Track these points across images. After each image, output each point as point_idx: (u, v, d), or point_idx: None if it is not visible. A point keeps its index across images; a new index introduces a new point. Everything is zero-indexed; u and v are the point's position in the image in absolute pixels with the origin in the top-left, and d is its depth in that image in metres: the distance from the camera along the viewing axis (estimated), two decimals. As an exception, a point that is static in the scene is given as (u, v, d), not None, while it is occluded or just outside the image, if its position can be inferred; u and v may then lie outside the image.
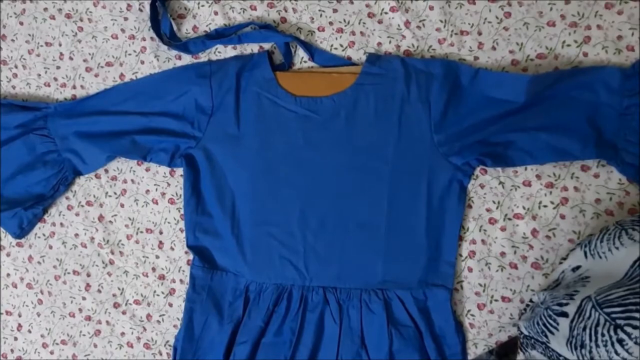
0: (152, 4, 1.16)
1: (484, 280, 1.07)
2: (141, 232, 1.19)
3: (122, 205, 1.20)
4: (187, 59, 1.19)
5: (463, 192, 1.06)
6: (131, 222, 1.20)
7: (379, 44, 1.13)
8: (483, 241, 1.07)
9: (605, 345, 0.75)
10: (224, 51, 1.18)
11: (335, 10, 1.15)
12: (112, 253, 1.20)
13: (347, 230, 1.07)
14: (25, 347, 1.24)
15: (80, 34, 1.24)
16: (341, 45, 1.14)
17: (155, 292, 1.18)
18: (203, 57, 1.19)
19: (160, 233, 1.18)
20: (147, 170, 1.19)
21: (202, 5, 1.19)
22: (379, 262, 1.06)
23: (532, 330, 0.91)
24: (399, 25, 1.13)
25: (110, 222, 1.21)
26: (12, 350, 1.24)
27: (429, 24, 1.11)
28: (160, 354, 1.17)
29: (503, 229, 1.06)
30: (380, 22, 1.13)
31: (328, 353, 1.05)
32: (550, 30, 1.07)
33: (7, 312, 1.25)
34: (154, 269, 1.18)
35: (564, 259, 0.97)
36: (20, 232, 1.21)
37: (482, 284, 1.07)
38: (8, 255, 1.25)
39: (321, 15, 1.15)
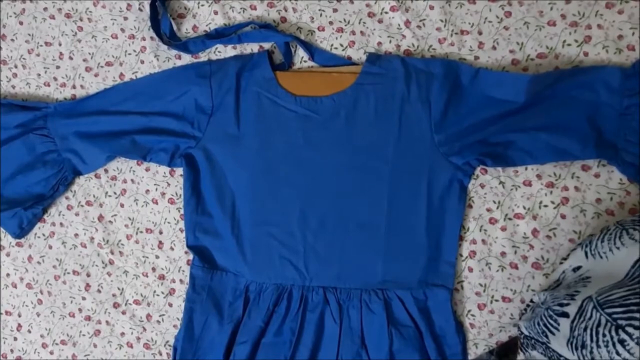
0: (152, 4, 1.16)
1: (485, 280, 1.07)
2: (141, 232, 1.19)
3: (122, 205, 1.20)
4: (187, 59, 1.19)
5: (463, 191, 1.06)
6: (131, 222, 1.20)
7: (379, 43, 1.13)
8: (483, 241, 1.07)
9: (607, 346, 0.75)
10: (223, 51, 1.18)
11: (335, 10, 1.15)
12: (112, 253, 1.20)
13: (347, 230, 1.07)
14: (25, 347, 1.24)
15: (80, 33, 1.24)
16: (341, 45, 1.14)
17: (155, 292, 1.18)
18: (203, 56, 1.19)
19: (160, 233, 1.18)
20: (147, 170, 1.19)
21: (202, 5, 1.19)
22: (379, 262, 1.06)
23: (533, 330, 0.91)
24: (399, 25, 1.12)
25: (110, 222, 1.21)
26: (11, 351, 1.24)
27: (429, 23, 1.11)
28: (160, 354, 1.17)
29: (503, 229, 1.06)
30: (380, 21, 1.13)
31: (328, 353, 1.05)
32: (550, 29, 1.07)
33: (7, 312, 1.25)
34: (153, 269, 1.18)
35: (565, 259, 0.97)
36: (20, 232, 1.21)
37: (482, 284, 1.07)
38: (8, 255, 1.25)
39: (321, 15, 1.15)
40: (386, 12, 1.13)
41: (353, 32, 1.14)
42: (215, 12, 1.18)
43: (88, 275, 1.21)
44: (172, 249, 1.17)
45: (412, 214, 1.06)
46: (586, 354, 0.78)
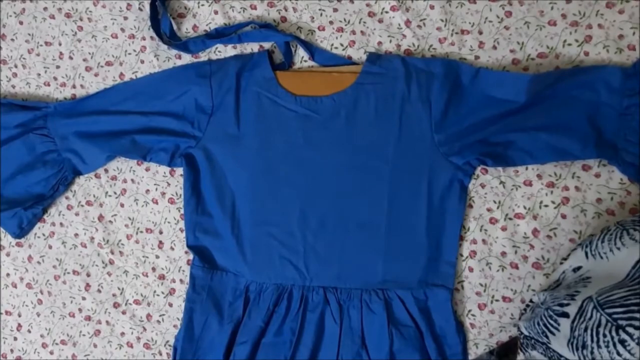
0: (152, 3, 1.16)
1: (485, 280, 1.07)
2: (141, 231, 1.19)
3: (122, 205, 1.20)
4: (187, 59, 1.19)
5: (464, 191, 1.06)
6: (131, 222, 1.19)
7: (380, 43, 1.13)
8: (484, 241, 1.07)
9: (607, 346, 0.75)
10: (224, 50, 1.18)
11: (335, 10, 1.15)
12: (112, 253, 1.20)
13: (348, 230, 1.07)
14: (25, 347, 1.24)
15: (80, 33, 1.24)
16: (341, 45, 1.14)
17: (155, 292, 1.18)
18: (203, 56, 1.19)
19: (160, 233, 1.18)
20: (147, 170, 1.19)
21: (202, 5, 1.19)
22: (379, 262, 1.06)
23: (533, 330, 0.91)
24: (399, 25, 1.12)
25: (110, 221, 1.20)
26: (11, 350, 1.24)
27: (429, 23, 1.11)
28: (160, 354, 1.17)
29: (504, 229, 1.06)
30: (380, 21, 1.13)
31: (328, 353, 1.05)
32: (551, 29, 1.07)
33: (7, 312, 1.25)
34: (154, 269, 1.18)
35: (565, 259, 0.97)
36: (20, 232, 1.21)
37: (482, 284, 1.07)
38: (8, 255, 1.25)
39: (321, 15, 1.15)
40: (386, 12, 1.13)
41: (353, 32, 1.14)
42: (216, 12, 1.18)
43: (88, 275, 1.21)
44: (172, 248, 1.17)
45: (413, 214, 1.06)
46: (587, 354, 0.78)
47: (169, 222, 1.18)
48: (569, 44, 1.06)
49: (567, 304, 0.83)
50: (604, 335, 0.76)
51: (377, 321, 1.04)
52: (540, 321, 0.88)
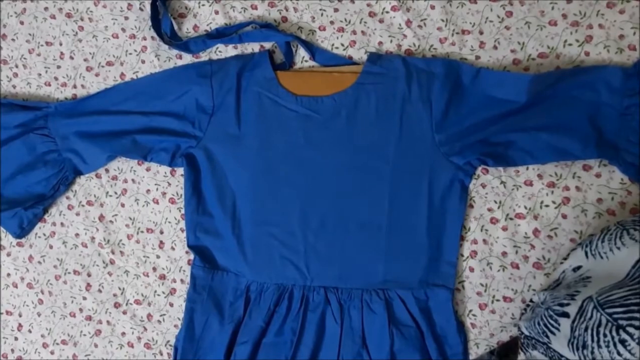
0: (152, 3, 1.16)
1: (486, 280, 1.07)
2: (142, 231, 1.19)
3: (122, 205, 1.20)
4: (187, 59, 1.19)
5: (464, 191, 1.06)
6: (132, 222, 1.20)
7: (380, 43, 1.13)
8: (484, 241, 1.07)
9: (608, 346, 0.75)
10: (224, 50, 1.18)
11: (336, 10, 1.15)
12: (113, 253, 1.20)
13: (348, 230, 1.07)
14: (25, 347, 1.24)
15: (80, 33, 1.24)
16: (342, 45, 1.14)
17: (156, 292, 1.18)
18: (204, 56, 1.19)
19: (161, 233, 1.18)
20: (148, 169, 1.19)
21: (203, 5, 1.19)
22: (380, 262, 1.06)
23: (533, 330, 0.91)
24: (400, 25, 1.12)
25: (111, 221, 1.21)
26: (12, 350, 1.24)
27: (430, 23, 1.11)
28: (161, 354, 1.17)
29: (504, 229, 1.06)
30: (381, 21, 1.13)
31: (329, 353, 1.05)
32: (551, 29, 1.07)
33: (8, 312, 1.25)
34: (154, 269, 1.18)
35: (565, 259, 0.97)
36: (21, 231, 1.21)
37: (483, 284, 1.07)
38: (8, 255, 1.25)
39: (322, 15, 1.15)
40: (387, 12, 1.13)
41: (354, 32, 1.14)
42: (216, 12, 1.18)
43: (89, 275, 1.21)
44: (173, 248, 1.17)
45: (413, 214, 1.06)
46: (587, 354, 0.78)
47: (169, 222, 1.18)
48: (570, 44, 1.06)
49: (567, 304, 0.83)
50: (605, 335, 0.76)
51: (377, 321, 1.04)
52: (540, 321, 0.88)
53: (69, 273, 1.22)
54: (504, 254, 1.06)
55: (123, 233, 1.20)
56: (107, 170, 1.21)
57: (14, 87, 1.27)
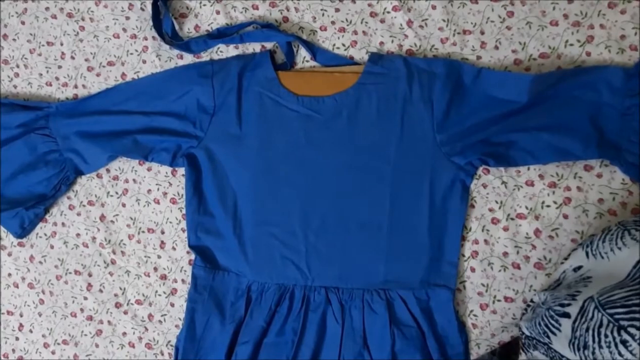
0: (153, 3, 1.16)
1: (487, 281, 1.07)
2: (143, 231, 1.19)
3: (123, 205, 1.20)
4: (188, 59, 1.19)
5: (465, 191, 1.06)
6: (133, 222, 1.20)
7: (381, 43, 1.13)
8: (486, 241, 1.07)
9: (609, 347, 0.75)
10: (225, 50, 1.18)
11: (337, 10, 1.15)
12: (114, 253, 1.20)
13: (349, 230, 1.07)
14: (26, 347, 1.24)
15: (81, 33, 1.24)
16: (343, 45, 1.14)
17: (157, 292, 1.18)
18: (205, 56, 1.19)
19: (162, 233, 1.18)
20: (149, 169, 1.19)
21: (204, 5, 1.19)
22: (381, 262, 1.06)
23: (534, 330, 0.91)
24: (401, 25, 1.12)
25: (112, 221, 1.21)
26: (13, 350, 1.24)
27: (431, 23, 1.11)
28: (162, 354, 1.17)
29: (506, 229, 1.06)
30: (382, 21, 1.13)
31: (330, 353, 1.05)
32: (553, 29, 1.07)
33: (9, 312, 1.25)
34: (155, 269, 1.18)
35: (566, 259, 0.97)
36: (22, 231, 1.21)
37: (484, 284, 1.07)
38: (9, 254, 1.25)
39: (323, 15, 1.15)
40: (388, 12, 1.13)
41: (355, 32, 1.14)
42: (217, 12, 1.18)
43: (90, 275, 1.21)
44: (174, 248, 1.17)
45: (414, 214, 1.06)
46: (588, 354, 0.78)
47: (170, 222, 1.18)
48: (571, 44, 1.06)
49: (569, 304, 0.83)
50: (606, 336, 0.76)
51: (379, 321, 1.04)
52: (541, 321, 0.88)
53: (70, 273, 1.22)
54: (505, 254, 1.06)
55: (124, 233, 1.20)
56: (108, 170, 1.21)
57: (15, 87, 1.27)
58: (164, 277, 1.18)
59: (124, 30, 1.22)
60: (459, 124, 1.05)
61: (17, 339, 1.24)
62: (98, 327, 1.20)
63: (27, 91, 1.26)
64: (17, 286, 1.25)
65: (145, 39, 1.21)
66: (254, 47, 1.17)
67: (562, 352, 0.84)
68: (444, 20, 1.11)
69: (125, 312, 1.19)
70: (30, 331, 1.23)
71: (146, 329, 1.18)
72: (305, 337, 1.06)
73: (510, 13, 1.09)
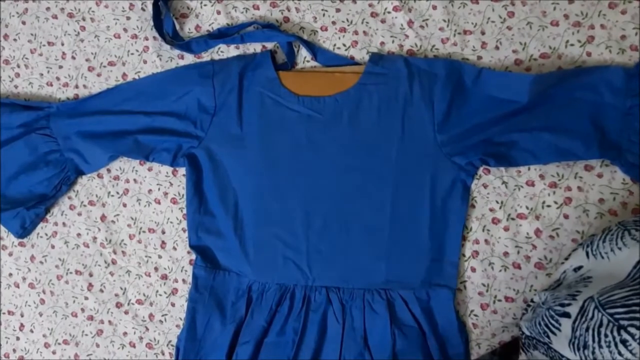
0: (154, 4, 1.16)
1: (487, 280, 1.07)
2: (144, 231, 1.19)
3: (124, 205, 1.20)
4: (189, 59, 1.19)
5: (466, 192, 1.06)
6: (134, 222, 1.20)
7: (382, 43, 1.13)
8: (486, 241, 1.07)
9: (609, 346, 0.75)
10: (226, 51, 1.18)
11: (338, 10, 1.15)
12: (115, 253, 1.20)
13: (351, 230, 1.07)
14: (27, 347, 1.24)
15: (82, 33, 1.24)
16: (344, 45, 1.14)
17: (157, 291, 1.18)
18: (206, 56, 1.19)
19: (163, 233, 1.18)
20: (150, 169, 1.19)
21: (205, 5, 1.19)
22: (382, 262, 1.06)
23: (534, 330, 0.91)
24: (402, 25, 1.12)
25: (113, 221, 1.21)
26: (14, 350, 1.24)
27: (432, 23, 1.11)
28: (163, 354, 1.17)
29: (506, 229, 1.06)
30: (383, 21, 1.13)
31: (331, 353, 1.05)
32: (553, 29, 1.07)
33: (9, 312, 1.25)
34: (156, 269, 1.18)
35: (566, 259, 0.96)
36: (23, 231, 1.21)
37: (485, 284, 1.07)
38: (10, 254, 1.25)
39: (324, 15, 1.15)
40: (389, 12, 1.13)
41: (356, 32, 1.14)
42: (218, 12, 1.18)
43: (90, 275, 1.21)
44: (174, 248, 1.18)
45: (415, 214, 1.06)
46: (588, 354, 0.78)
47: (171, 222, 1.18)
48: (572, 45, 1.06)
49: (569, 304, 0.83)
50: (606, 336, 0.76)
51: (379, 321, 1.04)
52: (541, 321, 0.88)
53: (71, 273, 1.22)
54: (506, 254, 1.06)
55: (125, 233, 1.20)
56: (108, 170, 1.21)
57: (16, 87, 1.27)
58: (164, 277, 1.18)
59: (125, 30, 1.22)
60: (460, 125, 1.05)
61: (17, 338, 1.24)
62: (99, 327, 1.20)
63: (27, 91, 1.26)
64: (17, 286, 1.25)
65: (146, 39, 1.21)
66: (254, 47, 1.17)
67: (562, 352, 0.84)
68: (444, 21, 1.11)
69: (126, 312, 1.19)
70: (31, 331, 1.24)
71: (147, 329, 1.18)
72: (306, 337, 1.06)
73: (510, 13, 1.09)
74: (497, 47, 1.09)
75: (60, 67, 1.25)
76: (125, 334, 1.19)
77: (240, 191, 1.11)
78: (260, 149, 1.10)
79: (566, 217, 1.04)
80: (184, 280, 1.17)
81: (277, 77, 1.11)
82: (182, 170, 1.17)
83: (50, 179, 1.18)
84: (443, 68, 1.06)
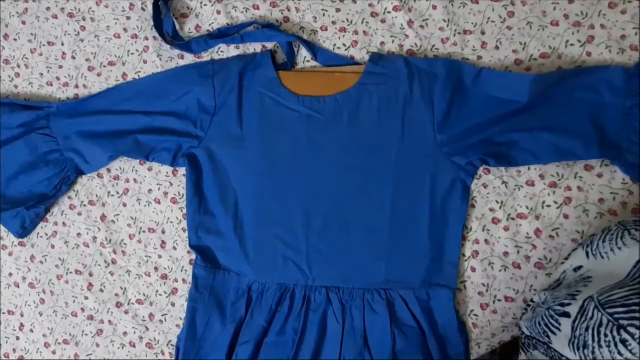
0: (154, 4, 1.16)
1: (487, 280, 1.07)
2: (144, 231, 1.19)
3: (124, 205, 1.20)
4: (189, 59, 1.19)
5: (466, 192, 1.06)
6: (134, 222, 1.20)
7: (382, 43, 1.13)
8: (486, 241, 1.07)
9: (609, 346, 0.75)
10: (226, 51, 1.18)
11: (338, 10, 1.15)
12: (115, 252, 1.20)
13: (351, 230, 1.07)
14: (27, 347, 1.24)
15: (82, 33, 1.24)
16: (344, 45, 1.14)
17: (157, 291, 1.18)
18: (206, 56, 1.19)
19: (163, 233, 1.18)
20: (150, 169, 1.19)
21: (205, 5, 1.19)
22: (382, 262, 1.06)
23: (534, 330, 0.91)
24: (402, 25, 1.12)
25: (113, 221, 1.21)
26: (14, 350, 1.24)
27: (432, 23, 1.11)
28: (163, 354, 1.17)
29: (506, 229, 1.06)
30: (383, 21, 1.13)
31: (331, 353, 1.05)
32: (553, 29, 1.07)
33: (10, 312, 1.25)
34: (156, 269, 1.18)
35: (566, 259, 0.96)
36: (23, 231, 1.21)
37: (485, 284, 1.07)
38: (10, 254, 1.25)
39: (324, 15, 1.15)
40: (389, 12, 1.13)
41: (356, 32, 1.14)
42: (218, 12, 1.18)
43: (91, 274, 1.21)
44: (174, 248, 1.18)
45: (415, 214, 1.06)
46: (588, 354, 0.78)
47: (171, 222, 1.18)
48: (572, 45, 1.06)
49: (569, 304, 0.83)
50: (606, 335, 0.76)
51: (379, 321, 1.04)
52: (541, 321, 0.88)
53: (71, 273, 1.22)
54: (506, 254, 1.06)
55: (125, 233, 1.20)
56: (109, 170, 1.21)
57: (16, 87, 1.27)
58: (164, 276, 1.18)
59: (125, 30, 1.22)
60: (460, 125, 1.05)
61: (18, 338, 1.24)
62: (99, 326, 1.20)
63: (28, 91, 1.26)
64: (18, 286, 1.25)
65: (146, 39, 1.21)
66: (254, 47, 1.17)
67: (562, 352, 0.84)
68: (444, 21, 1.11)
69: (126, 312, 1.19)
70: (31, 331, 1.24)
71: (147, 329, 1.18)
72: (306, 337, 1.06)
73: (511, 13, 1.09)
74: (497, 47, 1.09)
75: (61, 67, 1.25)
76: (125, 333, 1.19)
77: (240, 191, 1.11)
78: (261, 149, 1.10)
79: (566, 217, 1.04)
80: (184, 280, 1.17)
81: (277, 77, 1.11)
82: (182, 170, 1.17)
83: (51, 179, 1.18)
84: (443, 68, 1.06)
